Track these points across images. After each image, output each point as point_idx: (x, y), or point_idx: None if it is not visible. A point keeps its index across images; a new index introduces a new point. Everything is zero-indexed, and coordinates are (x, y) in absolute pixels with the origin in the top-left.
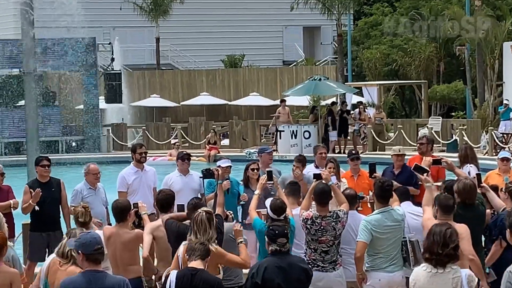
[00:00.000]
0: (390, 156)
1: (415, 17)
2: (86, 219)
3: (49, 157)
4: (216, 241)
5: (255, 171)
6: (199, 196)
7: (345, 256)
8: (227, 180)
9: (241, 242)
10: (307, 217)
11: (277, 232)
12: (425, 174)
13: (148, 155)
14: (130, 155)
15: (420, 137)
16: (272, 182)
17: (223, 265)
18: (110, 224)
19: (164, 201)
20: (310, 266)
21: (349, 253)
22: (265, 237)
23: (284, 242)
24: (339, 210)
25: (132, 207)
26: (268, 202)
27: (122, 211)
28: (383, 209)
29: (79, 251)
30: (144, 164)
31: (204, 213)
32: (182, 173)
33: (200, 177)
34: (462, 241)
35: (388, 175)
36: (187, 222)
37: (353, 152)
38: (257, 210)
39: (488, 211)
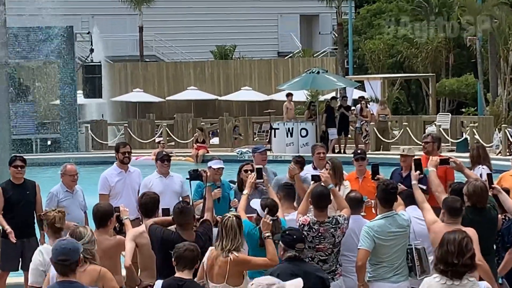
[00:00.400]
0: (394, 156)
1: (421, 5)
2: (63, 225)
3: (24, 157)
4: (237, 248)
5: (249, 172)
6: (181, 198)
7: (346, 264)
8: (218, 189)
9: (268, 236)
10: (303, 222)
11: (295, 237)
12: (417, 172)
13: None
14: (110, 154)
15: (425, 135)
16: (262, 180)
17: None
18: None
19: (148, 205)
20: None
21: (352, 260)
22: (280, 243)
23: (302, 248)
24: (339, 216)
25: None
26: (255, 203)
27: (104, 215)
28: (387, 214)
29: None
30: (128, 165)
31: (234, 218)
32: (162, 175)
33: (187, 179)
34: None
35: (396, 177)
36: (172, 227)
37: (359, 151)
38: (248, 215)
39: (499, 216)
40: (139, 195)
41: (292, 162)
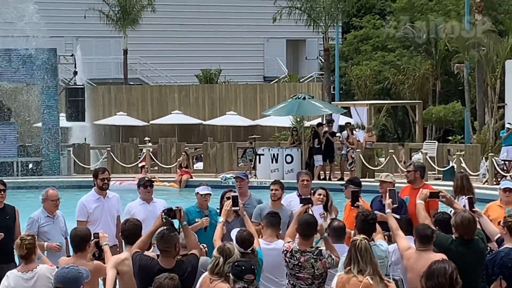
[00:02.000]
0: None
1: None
2: (21, 253)
3: (4, 181)
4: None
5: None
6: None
7: None
8: (206, 217)
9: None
10: (287, 249)
11: (243, 268)
12: (391, 200)
13: (114, 179)
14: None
15: (409, 164)
16: (237, 208)
17: None
18: (69, 256)
19: (131, 231)
20: None
21: None
22: (230, 274)
23: (251, 279)
24: (323, 249)
25: (92, 237)
26: (233, 233)
27: (81, 240)
28: None
29: None
30: (107, 190)
31: (363, 240)
32: (145, 201)
33: (163, 218)
34: None
35: (376, 204)
36: (149, 253)
37: (353, 179)
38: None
39: None
40: (122, 221)
41: (270, 185)
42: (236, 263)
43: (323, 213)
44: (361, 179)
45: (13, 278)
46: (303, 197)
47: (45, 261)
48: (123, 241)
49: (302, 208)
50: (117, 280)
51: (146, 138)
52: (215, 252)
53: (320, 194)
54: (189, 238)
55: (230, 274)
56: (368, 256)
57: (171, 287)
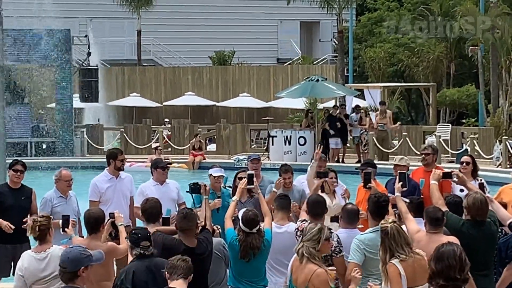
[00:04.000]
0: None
1: (423, 14)
2: (34, 235)
3: (24, 163)
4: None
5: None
6: (177, 205)
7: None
8: (218, 199)
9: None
10: (299, 228)
11: (139, 235)
12: (400, 183)
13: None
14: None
15: (425, 146)
16: (252, 186)
17: None
18: (82, 236)
19: (153, 210)
20: None
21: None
22: (128, 241)
23: (147, 245)
24: (332, 230)
25: (108, 217)
26: (240, 214)
27: (96, 221)
28: (378, 228)
29: None
30: (121, 171)
31: (394, 225)
32: (159, 182)
33: (187, 191)
34: None
35: (390, 187)
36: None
37: (367, 161)
38: None
39: None
40: (142, 201)
41: (280, 172)
42: (133, 231)
43: (344, 194)
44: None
45: (27, 258)
46: (320, 170)
47: (75, 242)
48: (142, 220)
49: (319, 181)
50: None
51: (166, 120)
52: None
53: (331, 177)
54: (207, 211)
55: (128, 241)
56: (402, 238)
57: (184, 268)
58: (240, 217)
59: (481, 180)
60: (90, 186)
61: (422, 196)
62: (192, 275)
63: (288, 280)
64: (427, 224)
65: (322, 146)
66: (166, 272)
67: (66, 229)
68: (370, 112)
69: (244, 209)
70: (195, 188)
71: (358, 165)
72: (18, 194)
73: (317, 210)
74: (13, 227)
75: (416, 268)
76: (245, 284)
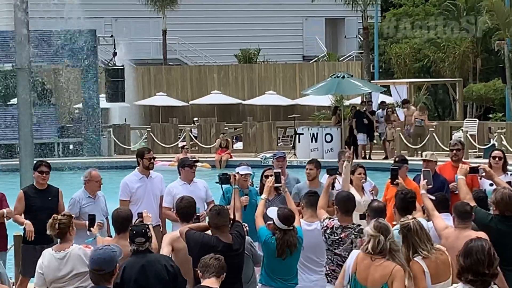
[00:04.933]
0: (419, 162)
1: (449, 9)
2: (53, 232)
3: (49, 163)
4: None
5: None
6: (206, 204)
7: None
8: (246, 196)
9: None
10: (328, 225)
11: (134, 232)
12: (425, 180)
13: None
14: (133, 159)
15: (455, 142)
16: (280, 184)
17: None
18: (110, 236)
19: (188, 209)
20: (329, 278)
21: None
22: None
23: (142, 241)
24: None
25: (136, 217)
26: (272, 212)
27: (123, 221)
28: None
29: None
30: (150, 170)
31: (415, 220)
32: (186, 181)
33: (216, 182)
34: None
35: (418, 183)
36: (208, 232)
37: (399, 157)
38: (268, 222)
39: None
40: (177, 200)
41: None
42: (130, 227)
43: (372, 190)
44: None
45: (47, 257)
46: (329, 167)
47: (100, 242)
48: (173, 218)
49: (330, 179)
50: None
51: (195, 118)
52: (372, 231)
53: (360, 173)
54: (237, 201)
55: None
56: (424, 234)
57: (217, 266)
58: (273, 215)
59: (511, 174)
60: (120, 185)
61: (453, 191)
62: (225, 274)
63: (352, 280)
64: (455, 218)
65: (352, 147)
66: (198, 271)
67: (91, 228)
68: (396, 108)
69: (276, 207)
70: (224, 179)
71: (387, 161)
72: (45, 195)
73: (348, 207)
74: (33, 235)
75: (439, 265)
76: (278, 282)
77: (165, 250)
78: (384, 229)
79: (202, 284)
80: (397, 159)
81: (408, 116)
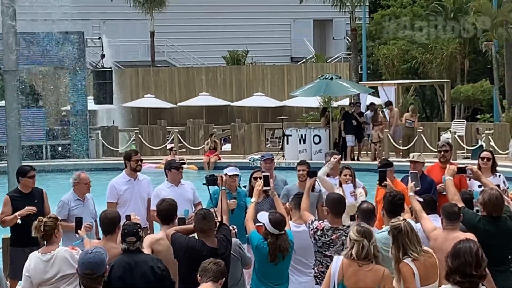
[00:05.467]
0: (407, 163)
1: (436, 10)
2: (38, 234)
3: (33, 166)
4: None
5: (259, 180)
6: (193, 206)
7: None
8: (234, 200)
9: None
10: (318, 227)
11: (126, 231)
12: (413, 182)
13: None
14: (121, 161)
15: (443, 143)
16: (269, 188)
17: None
18: (99, 238)
19: (168, 211)
20: (318, 280)
21: None
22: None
23: (133, 241)
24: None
25: (124, 220)
26: (262, 216)
27: (111, 223)
28: None
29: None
30: (137, 172)
31: (405, 222)
32: (174, 184)
33: (203, 184)
34: None
35: (405, 184)
36: (193, 235)
37: (383, 161)
38: (257, 225)
39: None
40: (157, 202)
41: (297, 166)
42: (122, 226)
43: (353, 192)
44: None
45: (34, 259)
46: (309, 170)
47: (87, 244)
48: (157, 221)
49: (310, 181)
50: None
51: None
52: (355, 236)
53: (346, 175)
54: (224, 203)
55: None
56: (414, 235)
57: (215, 271)
58: (264, 220)
59: (499, 175)
60: (108, 188)
61: (440, 192)
62: (224, 278)
63: (338, 285)
64: (443, 220)
65: (339, 148)
66: (198, 275)
67: (78, 231)
68: (384, 109)
69: (266, 212)
70: (211, 180)
71: (375, 162)
72: (31, 197)
73: (339, 209)
74: (21, 216)
75: (427, 267)
76: (269, 286)
77: (145, 252)
78: (367, 233)
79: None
80: (379, 164)
81: (391, 118)
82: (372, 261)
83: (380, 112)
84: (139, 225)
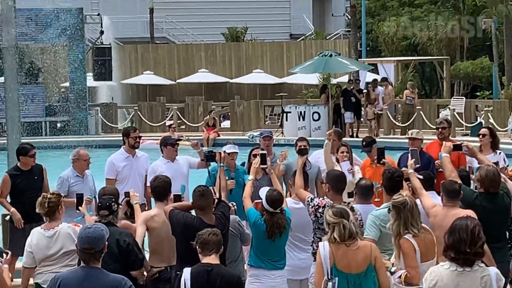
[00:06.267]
0: (405, 140)
1: None
2: (42, 211)
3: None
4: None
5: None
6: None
7: None
8: (232, 180)
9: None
10: (320, 204)
11: (100, 204)
12: (413, 160)
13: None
14: (120, 138)
15: (440, 120)
16: (266, 166)
17: None
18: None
19: (162, 188)
20: (316, 257)
21: None
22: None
23: (105, 214)
24: (356, 205)
25: (122, 196)
26: (263, 192)
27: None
28: None
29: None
30: (136, 149)
31: (411, 197)
32: (170, 160)
33: (202, 160)
34: None
35: (404, 161)
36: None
37: (366, 139)
38: (256, 201)
39: None
40: (151, 179)
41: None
42: (99, 199)
43: (351, 169)
44: (387, 136)
45: (36, 235)
46: (300, 148)
47: (88, 220)
48: (152, 198)
49: (302, 158)
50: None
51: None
52: (332, 218)
53: (342, 152)
54: (222, 180)
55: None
56: (417, 211)
57: (216, 242)
58: (263, 196)
59: (500, 153)
60: (106, 164)
61: (437, 169)
62: (223, 247)
63: (333, 271)
64: (444, 197)
65: (334, 125)
66: (197, 247)
67: (79, 207)
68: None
69: (266, 188)
70: (210, 156)
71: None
72: (31, 175)
73: (341, 186)
74: (21, 227)
75: (427, 244)
76: (267, 263)
77: (140, 229)
78: (344, 213)
79: (203, 262)
80: (364, 143)
81: (386, 96)
82: (356, 238)
83: (373, 89)
84: (113, 199)
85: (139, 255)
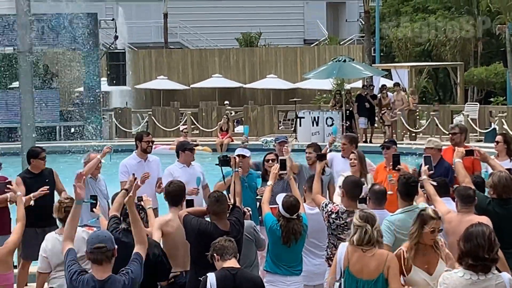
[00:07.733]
0: (420, 146)
1: None
2: (60, 215)
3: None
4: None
5: (271, 162)
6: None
7: None
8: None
9: None
10: (333, 210)
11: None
12: (427, 166)
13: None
14: (134, 142)
15: (452, 126)
16: (285, 172)
17: None
18: None
19: (176, 193)
20: (331, 262)
21: None
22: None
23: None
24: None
25: (136, 201)
26: (279, 198)
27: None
28: (408, 208)
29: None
30: (148, 154)
31: (430, 209)
32: (186, 165)
33: (216, 164)
34: None
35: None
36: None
37: (386, 140)
38: (271, 206)
39: None
40: (166, 184)
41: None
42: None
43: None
44: (400, 141)
45: (51, 240)
46: (318, 154)
47: (102, 222)
48: (167, 202)
49: (320, 164)
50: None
51: (226, 102)
52: (358, 221)
53: (351, 159)
54: (237, 185)
55: None
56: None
57: (233, 247)
58: (280, 202)
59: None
60: (120, 167)
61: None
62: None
63: (345, 274)
64: (458, 203)
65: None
66: (215, 254)
67: (93, 209)
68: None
69: (283, 194)
70: (224, 161)
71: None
72: (42, 178)
73: (357, 192)
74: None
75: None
76: (283, 269)
77: (156, 234)
78: (370, 218)
79: (224, 266)
80: (382, 146)
81: (397, 101)
82: (375, 245)
83: (387, 94)
84: (140, 206)
85: (167, 266)
